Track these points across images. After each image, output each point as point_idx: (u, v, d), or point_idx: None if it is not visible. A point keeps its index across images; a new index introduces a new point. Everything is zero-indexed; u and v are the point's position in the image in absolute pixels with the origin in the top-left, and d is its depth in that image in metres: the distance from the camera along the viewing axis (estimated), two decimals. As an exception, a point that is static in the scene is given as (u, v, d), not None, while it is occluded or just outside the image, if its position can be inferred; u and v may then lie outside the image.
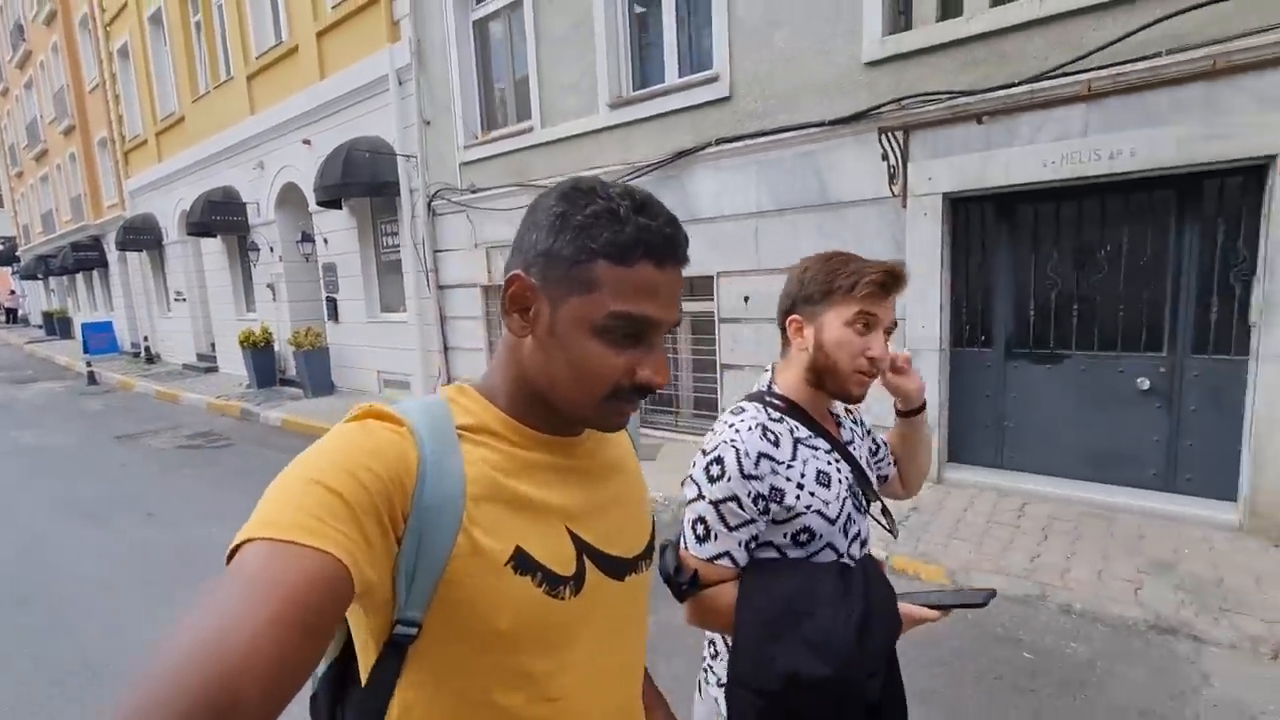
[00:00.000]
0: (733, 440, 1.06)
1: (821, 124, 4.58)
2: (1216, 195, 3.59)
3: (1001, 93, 3.88)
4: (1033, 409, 4.28)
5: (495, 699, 0.65)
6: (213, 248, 12.19)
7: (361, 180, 7.76)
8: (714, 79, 5.14)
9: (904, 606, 1.04)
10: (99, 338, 16.34)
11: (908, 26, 4.31)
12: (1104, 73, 3.56)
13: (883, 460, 1.34)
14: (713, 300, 5.42)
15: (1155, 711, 2.33)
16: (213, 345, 13.14)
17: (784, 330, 1.17)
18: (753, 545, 1.08)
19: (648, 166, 5.50)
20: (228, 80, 10.91)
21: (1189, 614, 2.84)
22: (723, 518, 1.05)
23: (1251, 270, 3.47)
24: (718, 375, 5.55)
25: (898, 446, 1.34)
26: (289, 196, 9.89)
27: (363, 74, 8.11)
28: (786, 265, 4.55)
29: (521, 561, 0.64)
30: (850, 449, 1.20)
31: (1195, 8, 3.28)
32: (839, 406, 1.25)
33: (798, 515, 1.07)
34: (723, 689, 1.10)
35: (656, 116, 5.48)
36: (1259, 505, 3.42)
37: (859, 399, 1.13)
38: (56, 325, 22.78)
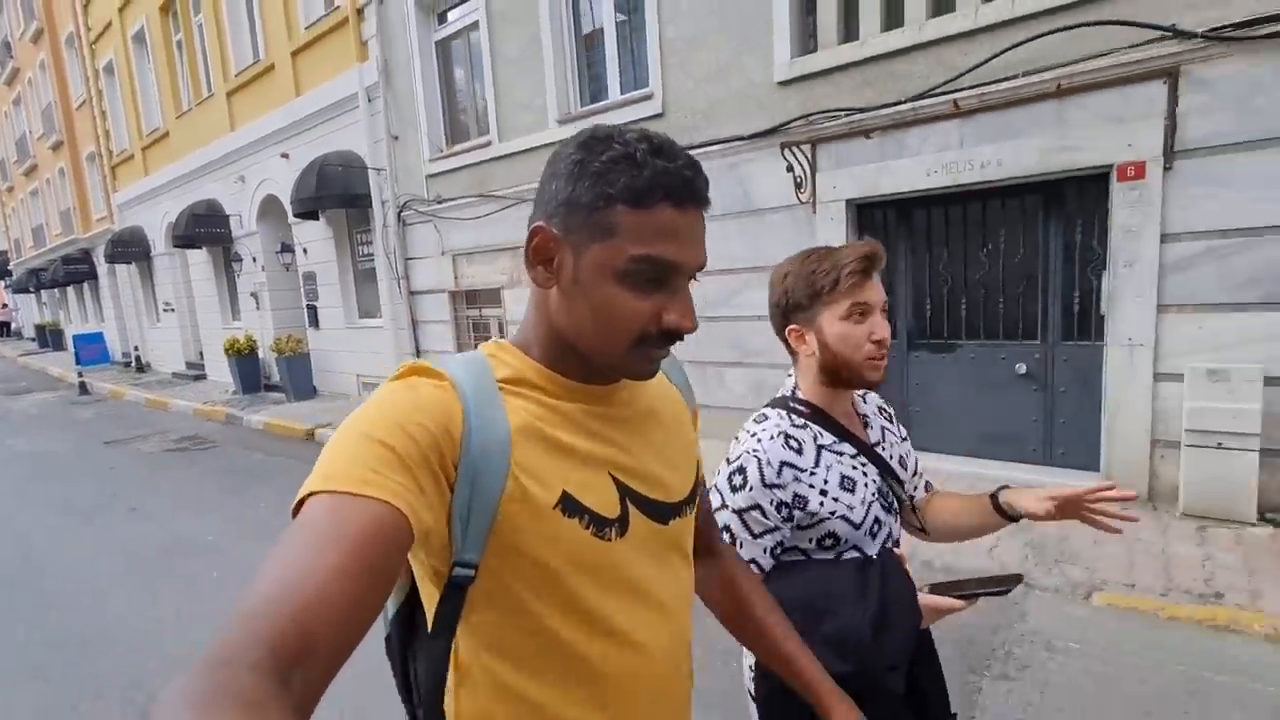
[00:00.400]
0: (755, 450, 1.08)
1: (741, 138, 5.02)
2: (1075, 199, 4.04)
3: (891, 110, 4.32)
4: (932, 395, 4.72)
5: (555, 634, 0.68)
6: (198, 259, 12.58)
7: (334, 193, 8.17)
8: (649, 96, 5.58)
9: (928, 598, 1.05)
10: (90, 349, 16.76)
11: (814, 49, 4.75)
12: (972, 92, 4.00)
13: (907, 485, 1.29)
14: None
15: (972, 640, 2.76)
16: (201, 354, 13.54)
17: (786, 342, 1.18)
18: (778, 551, 1.10)
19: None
20: (209, 97, 11.30)
21: (1030, 565, 3.28)
22: (747, 526, 1.08)
23: (1102, 265, 3.92)
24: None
25: (969, 522, 1.26)
26: (269, 208, 10.29)
27: (335, 91, 8.53)
28: (722, 267, 4.99)
29: (569, 505, 0.67)
30: (879, 449, 1.21)
31: (1040, 36, 3.72)
32: (866, 406, 1.28)
33: (821, 521, 1.08)
34: (752, 671, 1.15)
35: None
36: (1112, 474, 3.87)
37: (879, 382, 1.13)
38: (49, 337, 23.12)
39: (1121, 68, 3.56)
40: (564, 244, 0.66)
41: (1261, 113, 3.31)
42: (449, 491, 0.61)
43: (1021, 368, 4.30)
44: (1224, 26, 3.32)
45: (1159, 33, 3.46)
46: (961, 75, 4.02)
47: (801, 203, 4.77)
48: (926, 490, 1.34)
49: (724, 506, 1.09)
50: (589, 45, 6.29)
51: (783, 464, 1.07)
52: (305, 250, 9.79)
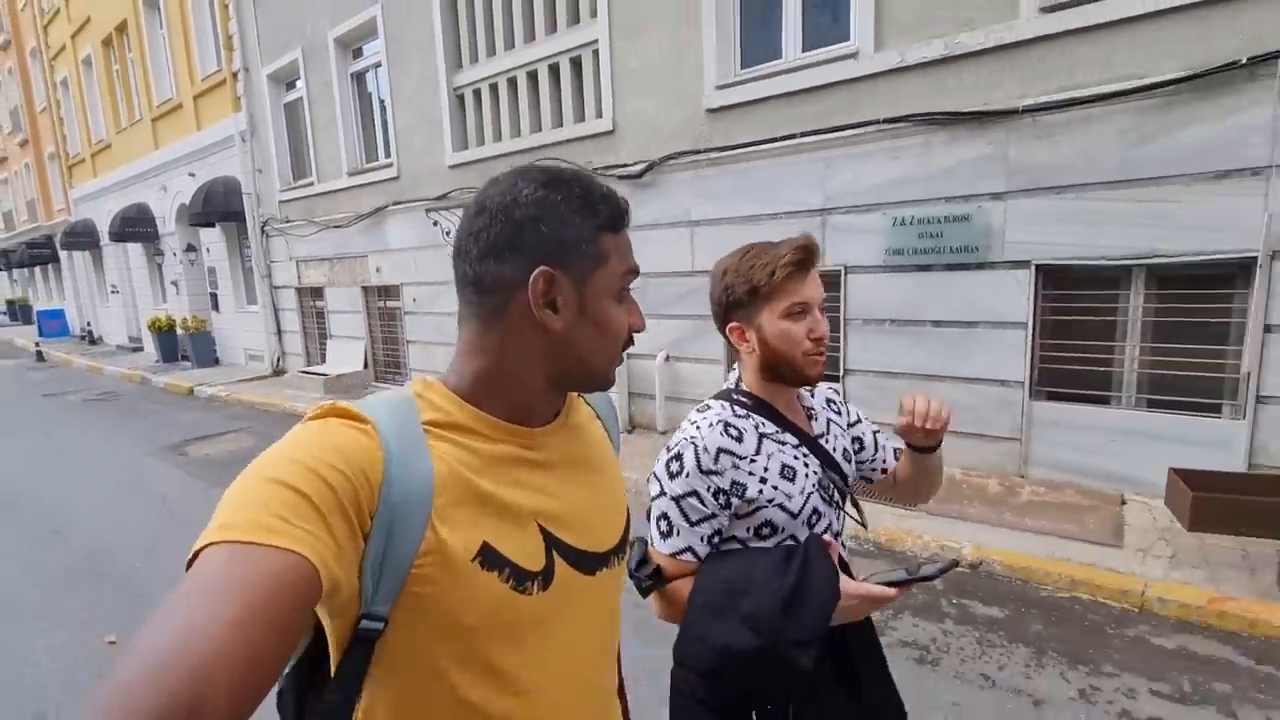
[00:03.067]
0: (693, 437, 1.10)
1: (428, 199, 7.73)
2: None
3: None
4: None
5: (461, 693, 0.65)
6: (135, 250, 15.18)
7: (218, 209, 10.80)
8: (388, 165, 8.26)
9: (860, 586, 1.03)
10: (52, 323, 19.38)
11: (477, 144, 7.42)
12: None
13: (874, 460, 1.32)
14: (399, 300, 8.58)
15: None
16: (139, 330, 16.19)
17: (727, 338, 1.19)
18: (715, 539, 1.11)
19: (360, 216, 8.64)
20: (139, 120, 13.85)
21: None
22: (684, 513, 1.09)
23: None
24: (415, 348, 8.74)
25: (908, 471, 1.29)
26: (183, 215, 12.91)
27: (222, 130, 11.13)
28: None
29: (488, 557, 0.65)
30: (822, 441, 1.21)
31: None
32: (813, 400, 1.28)
33: (759, 509, 1.10)
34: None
35: (371, 184, 8.60)
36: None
37: (817, 378, 1.15)
38: (18, 312, 25.64)
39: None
40: (565, 281, 0.68)
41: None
42: (363, 542, 0.58)
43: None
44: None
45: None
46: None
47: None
48: (897, 458, 1.34)
49: (662, 494, 1.11)
50: (367, 114, 8.91)
51: (720, 450, 1.09)
52: (208, 250, 12.44)
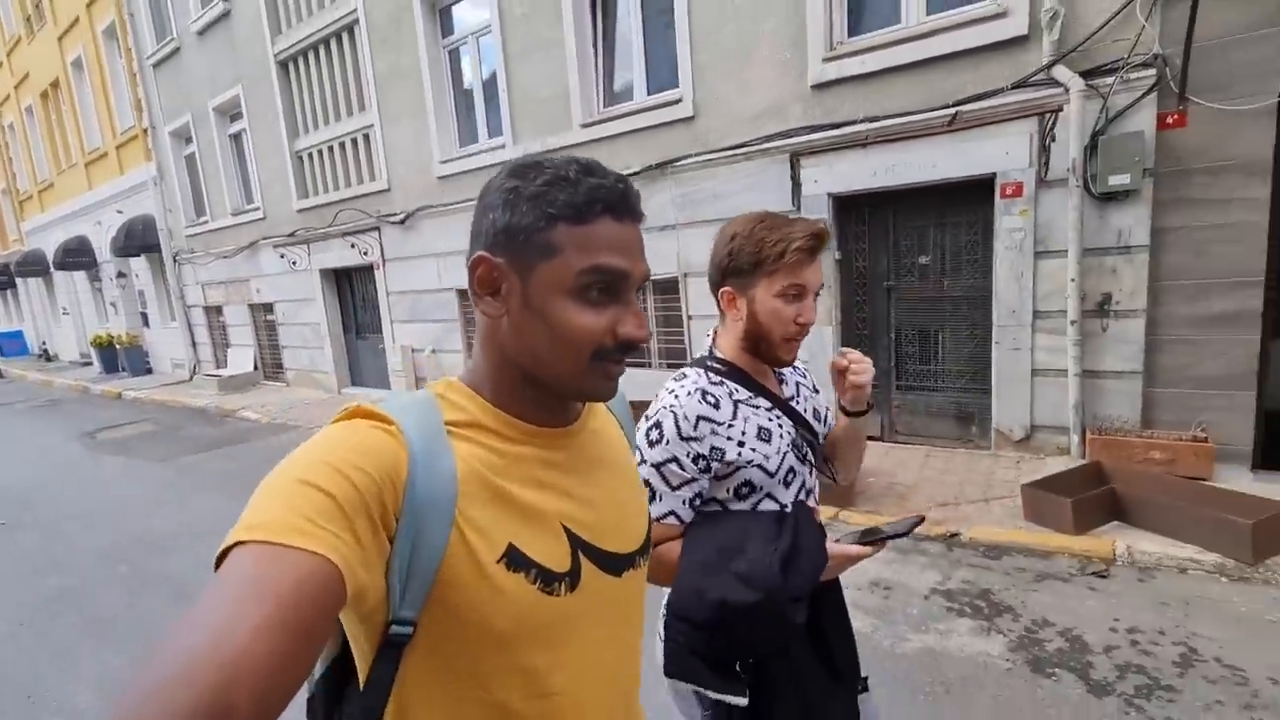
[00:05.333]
0: (672, 406, 1.14)
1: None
2: (397, 272, 9.04)
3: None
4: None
5: (492, 695, 0.66)
6: (80, 277, 17.23)
7: (137, 243, 12.94)
8: (257, 209, 10.47)
9: (838, 547, 1.09)
10: (12, 343, 21.36)
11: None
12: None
13: (822, 430, 1.35)
14: (274, 314, 10.80)
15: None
16: (88, 346, 18.24)
17: (717, 300, 1.21)
18: (697, 503, 1.15)
19: (240, 248, 10.86)
20: (75, 164, 15.90)
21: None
22: (665, 479, 1.12)
23: (398, 302, 8.94)
24: (291, 351, 10.99)
25: (839, 440, 1.34)
26: (114, 246, 15.01)
27: (140, 176, 13.24)
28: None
29: (514, 559, 0.65)
30: (794, 403, 1.27)
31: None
32: None
33: (738, 469, 1.15)
34: (664, 614, 1.17)
35: (247, 223, 10.79)
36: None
37: (789, 362, 1.20)
38: (-16, 334, 27.40)
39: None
40: (508, 270, 0.66)
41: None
42: (388, 545, 0.58)
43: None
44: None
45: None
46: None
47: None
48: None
49: (642, 462, 1.13)
50: (245, 168, 11.08)
51: (699, 418, 1.12)
52: (137, 275, 14.57)
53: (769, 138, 5.12)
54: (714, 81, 5.38)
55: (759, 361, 1.23)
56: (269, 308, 10.96)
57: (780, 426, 1.21)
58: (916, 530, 1.05)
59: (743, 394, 1.20)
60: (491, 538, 0.64)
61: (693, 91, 5.47)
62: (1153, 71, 3.87)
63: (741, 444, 1.15)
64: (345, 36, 8.30)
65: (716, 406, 1.15)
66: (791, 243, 1.10)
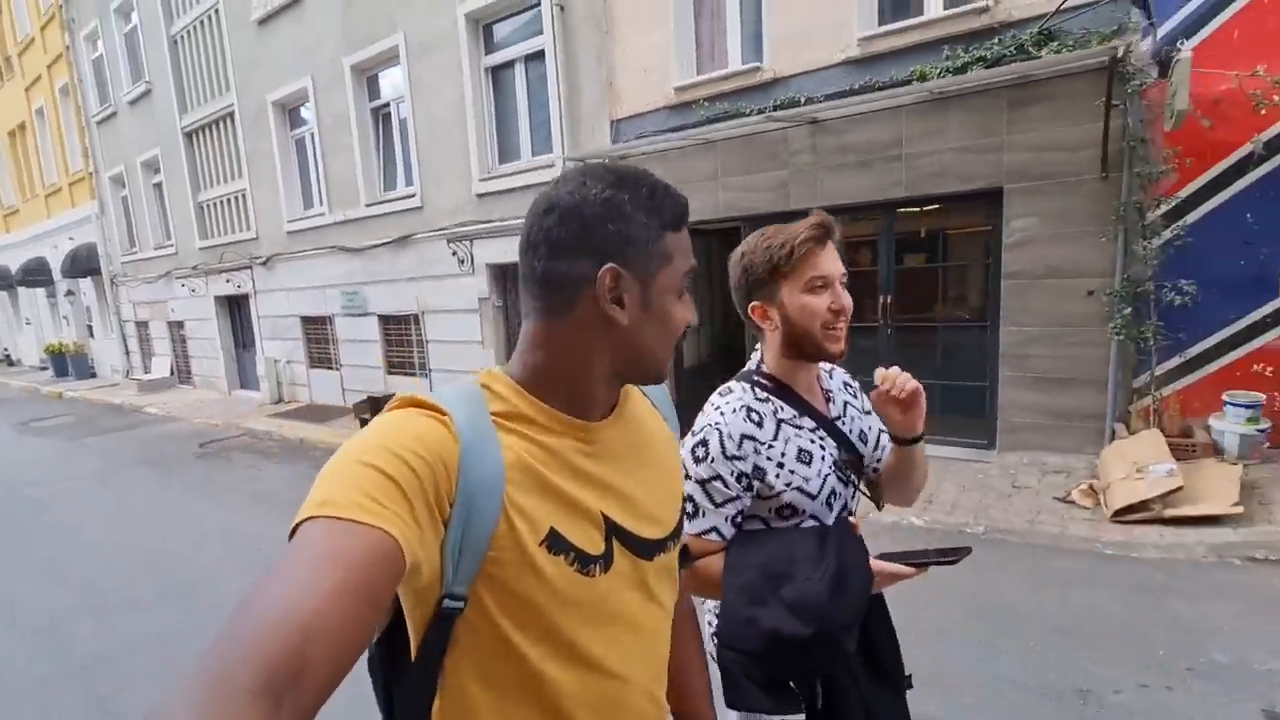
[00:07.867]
0: (717, 423, 1.15)
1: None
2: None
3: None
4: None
5: (534, 666, 0.71)
6: (40, 293, 19.62)
7: (82, 266, 15.39)
8: (171, 245, 12.97)
9: (883, 564, 1.09)
10: (-21, 350, 23.51)
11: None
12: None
13: (874, 456, 1.32)
14: (185, 330, 13.26)
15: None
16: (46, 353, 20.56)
17: (752, 320, 1.22)
18: (739, 519, 1.16)
19: (160, 275, 13.35)
20: (36, 195, 18.36)
21: (205, 418, 10.80)
22: (709, 495, 1.14)
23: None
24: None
25: (893, 469, 1.29)
26: (64, 268, 17.44)
27: (87, 210, 15.70)
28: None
29: (555, 542, 0.70)
30: (839, 423, 1.25)
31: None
32: (831, 381, 1.32)
33: (779, 493, 1.15)
34: (712, 629, 1.19)
35: (164, 256, 13.27)
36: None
37: (840, 354, 1.18)
38: (-42, 340, 29.53)
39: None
40: (630, 278, 0.71)
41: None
42: (442, 528, 0.63)
43: (267, 358, 11.86)
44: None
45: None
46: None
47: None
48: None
49: (687, 477, 1.13)
50: (165, 212, 13.59)
51: (744, 436, 1.13)
52: (85, 293, 17.00)
53: (458, 224, 7.74)
54: (429, 185, 8.01)
55: (808, 374, 1.24)
56: (181, 325, 13.45)
57: (823, 449, 1.20)
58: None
59: (787, 413, 1.20)
60: (535, 522, 0.69)
61: (420, 189, 8.11)
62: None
63: (781, 465, 1.15)
64: (227, 121, 10.90)
65: (760, 425, 1.16)
66: (797, 237, 1.13)
